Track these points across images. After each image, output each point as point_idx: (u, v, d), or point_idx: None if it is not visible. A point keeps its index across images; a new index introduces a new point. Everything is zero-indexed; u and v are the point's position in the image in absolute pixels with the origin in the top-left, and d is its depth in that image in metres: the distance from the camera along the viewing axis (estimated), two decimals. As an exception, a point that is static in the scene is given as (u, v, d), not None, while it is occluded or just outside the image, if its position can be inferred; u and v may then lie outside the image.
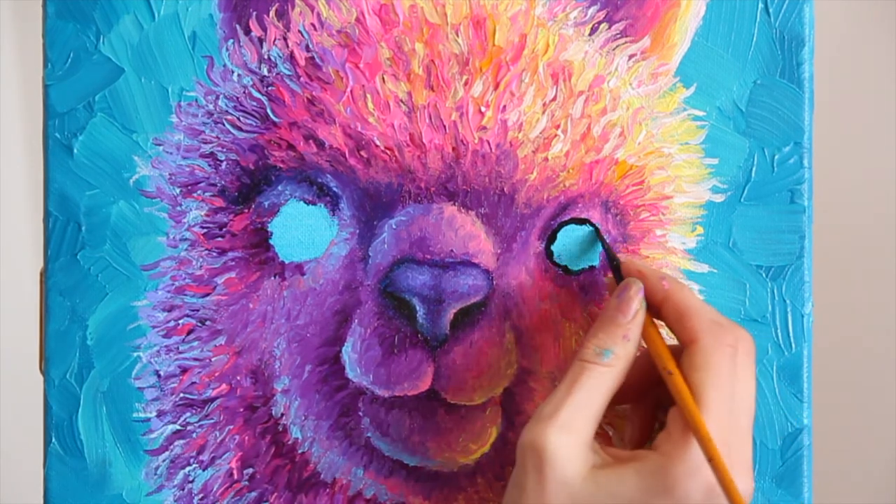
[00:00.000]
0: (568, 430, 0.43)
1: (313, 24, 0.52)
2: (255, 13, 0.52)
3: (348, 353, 0.51)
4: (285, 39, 0.52)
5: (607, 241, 0.51)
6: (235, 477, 0.52)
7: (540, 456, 0.43)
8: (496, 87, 0.51)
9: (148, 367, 0.52)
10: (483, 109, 0.51)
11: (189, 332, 0.52)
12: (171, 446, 0.52)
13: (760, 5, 0.53)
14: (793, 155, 0.53)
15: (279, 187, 0.51)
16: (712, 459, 0.42)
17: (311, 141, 0.51)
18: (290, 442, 0.52)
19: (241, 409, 0.52)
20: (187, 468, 0.52)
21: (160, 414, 0.52)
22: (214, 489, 0.52)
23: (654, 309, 0.47)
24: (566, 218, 0.52)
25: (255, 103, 0.52)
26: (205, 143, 0.52)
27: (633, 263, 0.48)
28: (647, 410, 0.49)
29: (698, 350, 0.44)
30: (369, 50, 0.51)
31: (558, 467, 0.42)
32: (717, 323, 0.45)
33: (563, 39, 0.52)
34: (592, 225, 0.52)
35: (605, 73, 0.52)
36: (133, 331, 0.52)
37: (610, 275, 0.51)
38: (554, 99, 0.52)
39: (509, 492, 0.44)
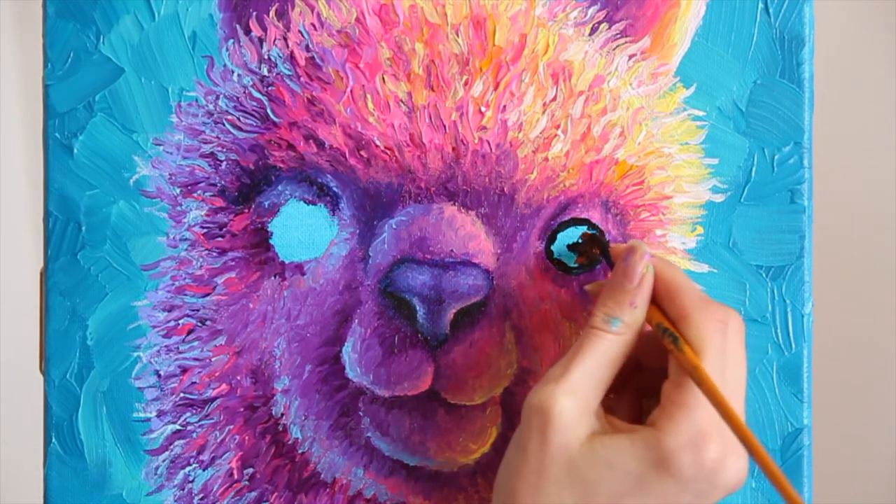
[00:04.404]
0: (575, 395, 0.43)
1: (313, 24, 0.52)
2: (255, 13, 0.52)
3: (348, 353, 0.51)
4: (285, 39, 0.52)
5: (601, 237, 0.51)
6: (235, 477, 0.52)
7: (546, 418, 0.43)
8: (496, 87, 0.51)
9: (148, 367, 0.52)
10: (483, 109, 0.51)
11: (189, 332, 0.52)
12: (171, 446, 0.52)
13: (760, 5, 0.53)
14: (793, 155, 0.53)
15: (279, 187, 0.51)
16: (731, 421, 0.42)
17: (311, 141, 0.51)
18: (290, 442, 0.52)
19: (242, 409, 0.52)
20: (187, 468, 0.52)
21: (160, 414, 0.52)
22: (214, 489, 0.52)
23: None
24: (566, 218, 0.52)
25: (255, 103, 0.52)
26: (205, 143, 0.52)
27: (618, 246, 0.49)
28: (632, 399, 0.49)
29: (689, 326, 0.44)
30: (369, 50, 0.51)
31: (561, 431, 0.43)
32: (706, 300, 0.45)
33: (563, 39, 0.52)
34: (591, 226, 0.52)
35: (605, 73, 0.52)
36: (133, 331, 0.52)
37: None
38: (554, 99, 0.52)
39: (511, 451, 0.45)
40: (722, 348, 0.44)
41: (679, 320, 0.45)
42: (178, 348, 0.52)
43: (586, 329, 0.45)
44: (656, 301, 0.46)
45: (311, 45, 0.52)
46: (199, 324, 0.52)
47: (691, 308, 0.45)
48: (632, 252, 0.46)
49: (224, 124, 0.52)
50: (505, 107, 0.51)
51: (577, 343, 0.45)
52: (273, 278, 0.52)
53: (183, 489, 0.52)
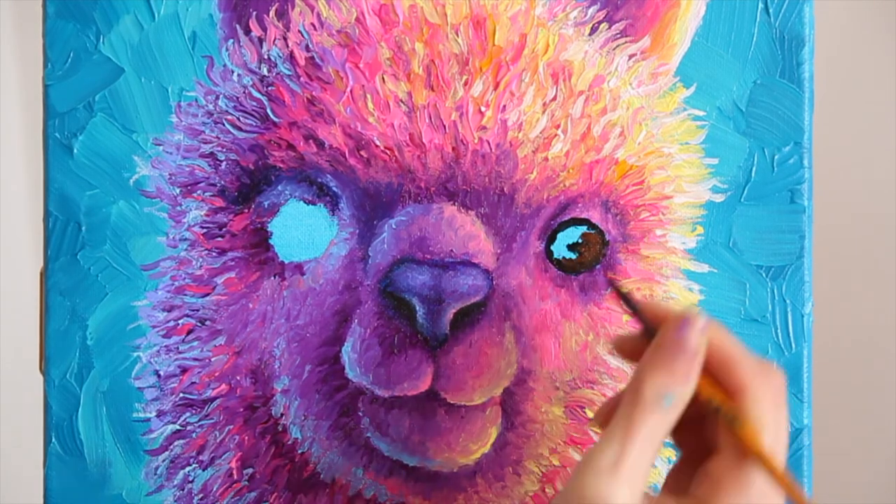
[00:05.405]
0: (632, 484, 0.40)
1: (313, 24, 0.52)
2: (255, 13, 0.52)
3: (348, 353, 0.51)
4: (285, 39, 0.52)
5: (625, 292, 0.46)
6: (235, 477, 0.52)
7: None
8: (496, 87, 0.51)
9: (148, 367, 0.52)
10: (483, 109, 0.51)
11: (189, 332, 0.52)
12: (171, 446, 0.52)
13: (760, 5, 0.53)
14: (793, 155, 0.53)
15: (279, 187, 0.51)
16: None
17: (311, 141, 0.51)
18: (289, 442, 0.52)
19: (241, 409, 0.52)
20: (187, 468, 0.52)
21: (160, 414, 0.52)
22: (214, 489, 0.52)
23: None
24: (566, 218, 0.52)
25: (255, 103, 0.52)
26: (205, 143, 0.52)
27: (657, 306, 0.45)
28: None
29: (748, 400, 0.41)
30: (369, 50, 0.51)
31: None
32: (761, 367, 0.42)
33: (563, 39, 0.52)
34: (613, 287, 0.50)
35: (605, 73, 0.52)
36: (133, 331, 0.52)
37: (611, 275, 0.51)
38: (554, 99, 0.52)
39: None
40: (778, 420, 0.41)
41: (736, 393, 0.42)
42: (177, 348, 0.52)
43: (636, 404, 0.41)
44: (706, 370, 0.42)
45: (311, 45, 0.52)
46: (199, 324, 0.52)
47: (749, 379, 0.42)
48: (688, 324, 0.42)
49: (224, 124, 0.52)
50: (505, 107, 0.51)
51: (628, 419, 0.41)
52: (273, 278, 0.52)
53: (183, 489, 0.52)
